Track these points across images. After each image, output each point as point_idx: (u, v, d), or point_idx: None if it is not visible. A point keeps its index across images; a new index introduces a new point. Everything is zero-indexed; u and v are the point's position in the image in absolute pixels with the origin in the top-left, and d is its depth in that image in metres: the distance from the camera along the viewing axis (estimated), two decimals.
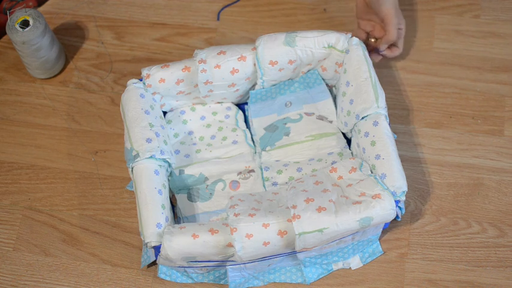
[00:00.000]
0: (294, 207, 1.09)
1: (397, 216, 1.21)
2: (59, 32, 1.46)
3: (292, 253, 1.13)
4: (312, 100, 1.30)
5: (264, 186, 1.24)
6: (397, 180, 1.12)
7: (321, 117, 1.29)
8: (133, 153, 1.16)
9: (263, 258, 1.12)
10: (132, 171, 1.17)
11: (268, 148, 1.26)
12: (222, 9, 1.48)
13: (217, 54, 1.24)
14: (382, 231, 1.22)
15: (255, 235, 1.08)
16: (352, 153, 1.25)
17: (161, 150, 1.17)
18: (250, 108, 1.30)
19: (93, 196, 1.29)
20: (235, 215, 1.10)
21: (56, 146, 1.34)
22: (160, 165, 1.17)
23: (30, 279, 1.22)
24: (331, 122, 1.29)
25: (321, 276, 1.20)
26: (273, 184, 1.23)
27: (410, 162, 1.29)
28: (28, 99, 1.39)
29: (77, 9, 1.49)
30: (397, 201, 1.13)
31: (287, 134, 1.27)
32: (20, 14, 1.32)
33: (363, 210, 1.09)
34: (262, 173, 1.24)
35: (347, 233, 1.10)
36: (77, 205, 1.28)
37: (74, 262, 1.23)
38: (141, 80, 1.24)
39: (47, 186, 1.30)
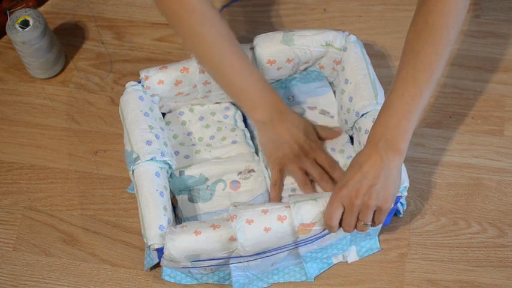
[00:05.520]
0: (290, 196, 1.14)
1: (398, 211, 1.22)
2: (59, 32, 1.46)
3: (295, 245, 1.13)
4: (314, 94, 1.30)
5: (267, 184, 1.24)
6: None
7: (323, 112, 1.29)
8: (134, 155, 1.16)
9: (266, 253, 1.12)
10: (132, 173, 1.17)
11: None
12: (223, 8, 1.48)
13: None
14: (382, 228, 1.21)
15: (255, 220, 1.08)
16: (354, 150, 1.25)
17: (161, 152, 1.17)
18: None
19: (93, 196, 1.29)
20: (235, 206, 1.12)
21: (56, 146, 1.34)
22: (161, 167, 1.17)
23: (30, 279, 1.22)
24: (332, 117, 1.29)
25: (322, 271, 1.21)
26: None
27: (410, 162, 1.29)
28: (28, 99, 1.39)
29: (77, 9, 1.49)
30: (398, 197, 1.13)
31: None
32: (20, 14, 1.32)
33: None
34: (267, 172, 1.24)
35: None
36: (77, 205, 1.28)
37: (74, 262, 1.23)
38: (139, 82, 1.24)
39: (47, 186, 1.30)
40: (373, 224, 1.08)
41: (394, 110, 1.05)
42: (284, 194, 1.23)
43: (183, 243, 1.08)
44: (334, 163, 1.23)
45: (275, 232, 1.09)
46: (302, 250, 1.15)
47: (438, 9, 1.05)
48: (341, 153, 1.25)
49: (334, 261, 1.21)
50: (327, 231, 1.10)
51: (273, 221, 1.08)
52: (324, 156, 1.22)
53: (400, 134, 1.04)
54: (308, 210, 1.08)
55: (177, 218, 1.23)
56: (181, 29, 1.17)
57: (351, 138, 1.28)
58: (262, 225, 1.08)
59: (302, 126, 1.22)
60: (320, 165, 1.22)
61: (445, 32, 1.05)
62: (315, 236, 1.11)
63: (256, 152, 1.28)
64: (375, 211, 1.06)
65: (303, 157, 1.21)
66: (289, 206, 1.09)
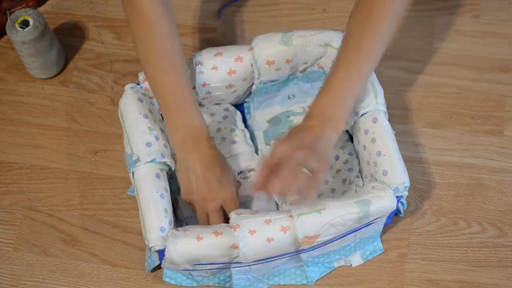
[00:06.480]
0: (293, 203, 1.11)
1: (399, 211, 1.22)
2: (59, 32, 1.46)
3: (297, 253, 1.13)
4: (315, 93, 1.29)
5: None
6: (399, 176, 1.13)
7: None
8: (134, 157, 1.16)
9: (268, 259, 1.12)
10: (133, 175, 1.17)
11: (272, 142, 1.27)
12: (223, 8, 1.48)
13: (214, 55, 1.24)
14: (383, 228, 1.21)
15: (258, 231, 1.08)
16: (354, 149, 1.25)
17: (161, 154, 1.17)
18: (253, 101, 1.30)
19: (93, 196, 1.29)
20: (237, 214, 1.11)
21: (56, 146, 1.34)
22: (161, 169, 1.17)
23: (30, 279, 1.22)
24: None
25: (323, 274, 1.21)
26: None
27: (410, 162, 1.29)
28: (28, 99, 1.39)
29: (77, 9, 1.49)
30: (399, 197, 1.14)
31: (291, 128, 1.27)
32: (20, 14, 1.32)
33: (361, 195, 1.11)
34: None
35: (347, 223, 1.09)
36: (77, 205, 1.28)
37: (74, 262, 1.23)
38: (138, 84, 1.24)
39: (47, 186, 1.30)
40: (302, 193, 1.06)
41: (335, 91, 1.11)
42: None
43: (184, 247, 1.08)
44: None
45: (278, 242, 1.08)
46: (304, 255, 1.15)
47: (381, 1, 1.09)
48: (342, 149, 1.26)
49: (336, 265, 1.21)
50: (330, 240, 1.10)
51: (276, 232, 1.08)
52: (232, 205, 1.16)
53: (340, 112, 1.11)
54: (312, 223, 1.08)
55: (178, 219, 1.23)
56: (130, 30, 1.15)
57: (351, 136, 1.28)
58: (265, 236, 1.08)
59: (219, 165, 1.15)
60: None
61: (387, 22, 1.10)
62: (318, 245, 1.11)
63: (256, 152, 1.28)
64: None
65: (208, 200, 1.15)
66: (292, 216, 1.09)
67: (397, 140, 1.18)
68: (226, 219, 1.16)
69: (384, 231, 1.23)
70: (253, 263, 1.12)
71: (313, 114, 1.11)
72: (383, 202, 1.10)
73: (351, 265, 1.21)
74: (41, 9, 1.49)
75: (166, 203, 1.14)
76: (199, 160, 1.14)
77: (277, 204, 1.23)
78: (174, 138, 1.15)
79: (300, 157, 1.05)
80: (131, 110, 1.20)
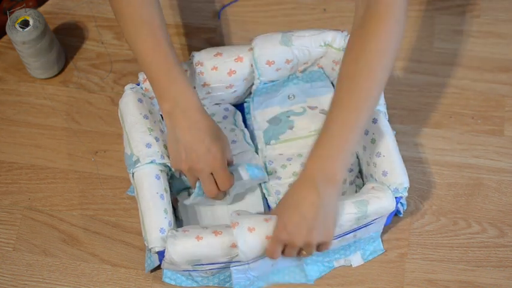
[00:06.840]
0: None
1: (398, 211, 1.22)
2: (59, 32, 1.46)
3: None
4: (315, 93, 1.30)
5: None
6: (399, 177, 1.13)
7: (323, 112, 1.29)
8: (134, 158, 1.16)
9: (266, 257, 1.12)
10: (133, 176, 1.17)
11: (272, 142, 1.27)
12: (223, 8, 1.48)
13: (214, 55, 1.24)
14: (383, 228, 1.21)
15: (257, 228, 1.08)
16: None
17: (161, 155, 1.17)
18: (253, 101, 1.30)
19: (93, 196, 1.29)
20: (237, 213, 1.11)
21: (56, 146, 1.34)
22: (161, 170, 1.17)
23: (30, 279, 1.22)
24: None
25: (322, 274, 1.21)
26: (276, 178, 1.23)
27: (410, 162, 1.29)
28: (28, 99, 1.39)
29: (77, 9, 1.49)
30: (399, 198, 1.14)
31: (291, 128, 1.27)
32: (20, 14, 1.32)
33: (359, 195, 1.11)
34: (266, 167, 1.24)
35: (346, 223, 1.09)
36: (77, 205, 1.28)
37: (74, 262, 1.23)
38: (138, 85, 1.24)
39: (47, 186, 1.30)
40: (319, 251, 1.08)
41: (331, 142, 1.03)
42: (281, 189, 1.22)
43: (184, 247, 1.08)
44: (228, 184, 1.15)
45: None
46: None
47: (376, 36, 1.02)
48: None
49: (336, 264, 1.21)
50: None
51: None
52: (222, 173, 1.13)
53: (338, 166, 1.03)
54: None
55: (178, 220, 1.23)
56: (110, 4, 1.13)
57: None
58: (264, 234, 1.07)
59: (208, 134, 1.11)
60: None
61: (382, 59, 1.03)
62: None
63: (256, 152, 1.28)
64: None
65: (197, 169, 1.12)
66: None
67: (397, 140, 1.18)
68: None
69: (384, 231, 1.23)
70: (252, 261, 1.12)
71: (310, 172, 1.04)
72: (381, 203, 1.10)
73: (351, 265, 1.21)
74: (41, 9, 1.49)
75: (166, 204, 1.14)
76: (188, 129, 1.10)
77: (269, 206, 1.23)
78: (162, 106, 1.11)
79: (303, 244, 1.05)
80: (131, 110, 1.20)
